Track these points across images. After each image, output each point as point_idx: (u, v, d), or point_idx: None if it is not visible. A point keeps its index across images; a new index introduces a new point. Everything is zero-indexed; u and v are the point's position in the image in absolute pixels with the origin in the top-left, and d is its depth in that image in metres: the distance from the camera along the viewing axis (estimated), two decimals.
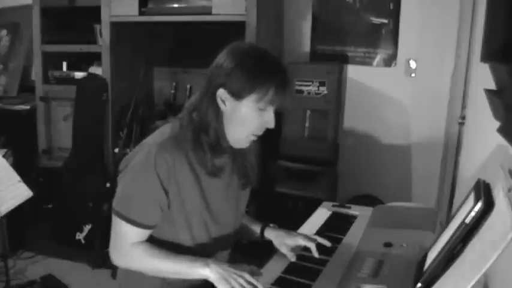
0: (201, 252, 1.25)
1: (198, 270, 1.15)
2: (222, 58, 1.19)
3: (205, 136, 1.20)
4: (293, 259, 1.31)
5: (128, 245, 1.20)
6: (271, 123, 1.20)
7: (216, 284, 1.13)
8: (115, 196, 1.22)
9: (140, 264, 1.21)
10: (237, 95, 1.16)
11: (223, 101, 1.18)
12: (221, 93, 1.17)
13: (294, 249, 1.35)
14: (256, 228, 1.43)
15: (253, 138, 1.23)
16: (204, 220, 1.26)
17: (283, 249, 1.34)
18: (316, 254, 1.31)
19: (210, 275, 1.14)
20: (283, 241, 1.36)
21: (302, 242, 1.34)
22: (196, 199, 1.24)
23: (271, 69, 1.17)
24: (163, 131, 1.25)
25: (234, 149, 1.28)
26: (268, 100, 1.16)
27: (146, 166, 1.17)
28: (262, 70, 1.16)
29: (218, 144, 1.21)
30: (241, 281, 1.12)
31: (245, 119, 1.18)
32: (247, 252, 1.65)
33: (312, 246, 1.32)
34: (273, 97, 1.16)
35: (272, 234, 1.40)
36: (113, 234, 1.22)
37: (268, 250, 1.40)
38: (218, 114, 1.19)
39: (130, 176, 1.21)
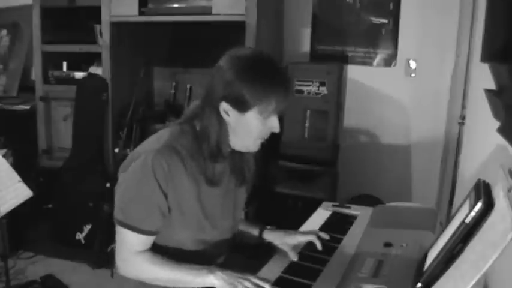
0: (201, 257, 1.25)
1: (202, 278, 1.16)
2: (223, 67, 1.17)
3: (207, 144, 1.20)
4: (295, 258, 1.31)
5: (133, 254, 1.20)
6: (276, 129, 1.22)
7: None
8: (115, 206, 1.21)
9: (146, 273, 1.20)
10: (240, 109, 1.16)
11: (226, 112, 1.18)
12: (224, 106, 1.17)
13: (295, 247, 1.36)
14: (255, 232, 1.45)
15: (260, 141, 1.25)
16: (202, 225, 1.26)
17: (286, 248, 1.35)
18: (319, 247, 1.34)
19: (215, 282, 1.14)
20: (284, 241, 1.38)
21: (302, 239, 1.38)
22: (194, 205, 1.24)
23: (273, 82, 1.16)
24: (160, 136, 1.24)
25: (233, 153, 1.28)
26: (271, 110, 1.17)
27: (145, 172, 1.16)
28: (263, 83, 1.15)
29: (219, 152, 1.21)
30: (247, 283, 1.11)
31: (250, 128, 1.19)
32: (248, 253, 1.64)
33: (314, 239, 1.36)
34: (275, 107, 1.17)
35: (271, 236, 1.42)
36: (118, 245, 1.22)
37: (268, 250, 1.40)
38: (222, 124, 1.20)
39: (128, 183, 1.20)
